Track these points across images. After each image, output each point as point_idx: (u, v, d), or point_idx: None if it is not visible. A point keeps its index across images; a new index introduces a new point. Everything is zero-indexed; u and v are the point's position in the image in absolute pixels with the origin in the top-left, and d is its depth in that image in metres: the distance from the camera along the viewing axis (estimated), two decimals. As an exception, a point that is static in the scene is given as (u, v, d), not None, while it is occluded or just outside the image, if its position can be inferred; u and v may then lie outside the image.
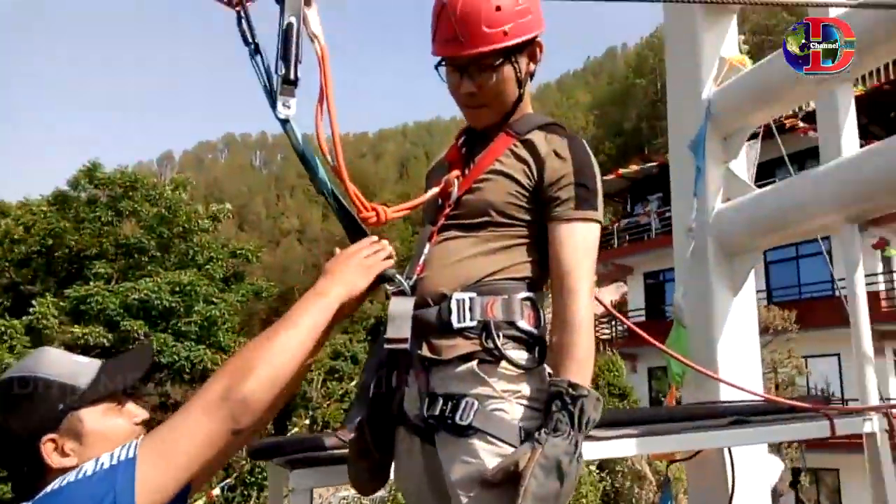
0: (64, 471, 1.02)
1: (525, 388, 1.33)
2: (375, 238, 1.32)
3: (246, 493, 14.74)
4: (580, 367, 1.27)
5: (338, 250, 1.29)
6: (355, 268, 1.25)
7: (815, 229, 3.33)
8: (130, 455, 0.96)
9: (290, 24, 1.23)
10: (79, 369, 1.12)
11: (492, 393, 1.30)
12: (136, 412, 1.15)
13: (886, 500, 2.87)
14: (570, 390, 1.23)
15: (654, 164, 19.55)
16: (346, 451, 1.53)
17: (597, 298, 1.76)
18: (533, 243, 1.40)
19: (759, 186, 3.44)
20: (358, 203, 1.31)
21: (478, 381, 1.31)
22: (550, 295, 1.38)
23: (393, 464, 1.49)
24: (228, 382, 1.02)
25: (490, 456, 1.25)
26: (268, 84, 1.23)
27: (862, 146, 3.07)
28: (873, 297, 14.51)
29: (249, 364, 1.04)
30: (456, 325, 1.32)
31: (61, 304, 17.27)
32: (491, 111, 1.45)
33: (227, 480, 13.40)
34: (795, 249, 14.62)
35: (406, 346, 1.30)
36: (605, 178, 22.73)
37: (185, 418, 1.00)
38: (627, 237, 21.40)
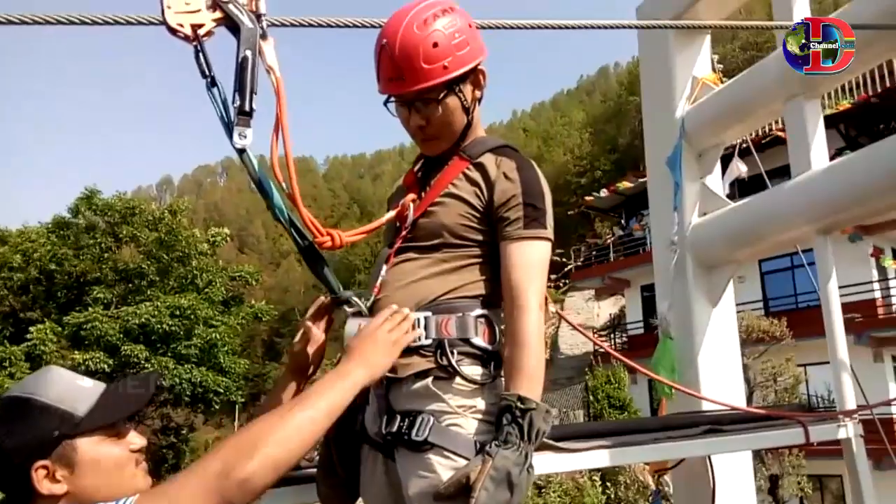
0: (53, 497, 1.02)
1: (480, 403, 1.38)
2: (395, 307, 1.36)
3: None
4: (530, 381, 1.32)
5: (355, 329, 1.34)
6: (381, 347, 1.27)
7: (789, 241, 3.41)
8: None
9: (245, 58, 1.27)
10: (80, 394, 1.08)
11: (447, 409, 1.35)
12: (134, 440, 1.13)
13: (865, 504, 2.91)
14: (520, 404, 1.28)
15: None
16: (315, 470, 1.57)
17: (560, 314, 1.82)
18: (487, 262, 1.45)
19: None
20: (313, 228, 1.35)
21: (433, 397, 1.34)
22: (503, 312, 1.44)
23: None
24: (232, 459, 0.98)
25: (446, 470, 1.29)
26: (224, 115, 1.28)
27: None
28: (870, 305, 14.56)
29: (256, 442, 1.00)
30: (412, 343, 1.37)
31: (61, 330, 17.30)
32: (441, 141, 1.52)
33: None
34: (790, 260, 14.68)
35: None
36: (600, 193, 22.96)
37: (181, 490, 0.96)
38: (623, 251, 21.48)
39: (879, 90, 15.07)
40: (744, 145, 4.21)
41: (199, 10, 1.28)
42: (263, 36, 1.32)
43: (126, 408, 1.12)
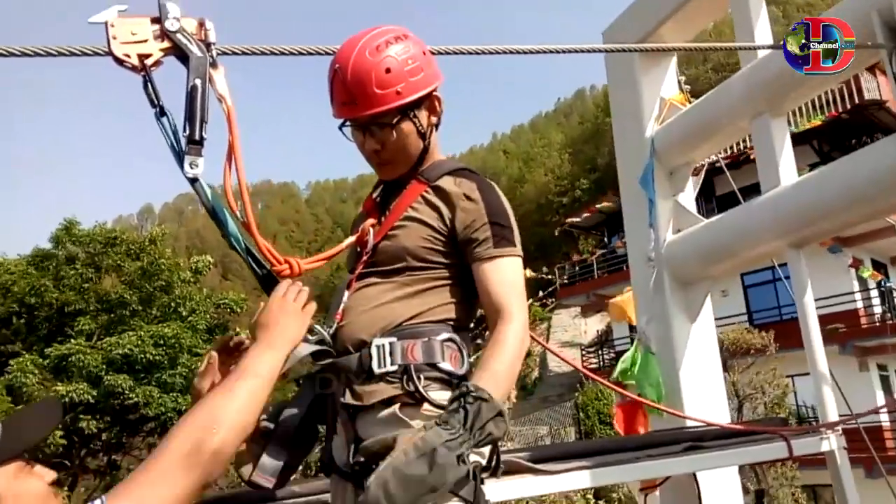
0: None
1: None
2: (290, 281, 1.34)
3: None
4: (493, 378, 1.28)
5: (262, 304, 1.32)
6: (293, 317, 1.29)
7: (762, 256, 3.45)
8: None
9: (194, 86, 1.26)
10: None
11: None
12: (44, 472, 1.10)
13: (850, 516, 2.91)
14: (473, 391, 1.24)
15: (630, 195, 19.77)
16: (287, 501, 1.54)
17: (532, 336, 1.82)
18: (454, 285, 1.44)
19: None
20: (270, 257, 1.35)
21: (400, 424, 1.32)
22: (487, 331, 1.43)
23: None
24: (199, 436, 1.02)
25: None
26: (175, 144, 1.27)
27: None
28: (853, 315, 14.70)
29: (217, 416, 1.05)
30: (377, 370, 1.33)
31: (42, 361, 17.03)
32: (397, 165, 1.51)
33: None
34: (772, 273, 14.82)
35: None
36: (582, 212, 23.14)
37: (159, 472, 0.98)
38: (607, 268, 21.60)
39: (849, 106, 15.43)
40: (717, 164, 4.28)
41: (146, 40, 1.28)
42: (213, 65, 1.32)
43: (31, 436, 1.10)
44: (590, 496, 13.33)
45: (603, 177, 34.81)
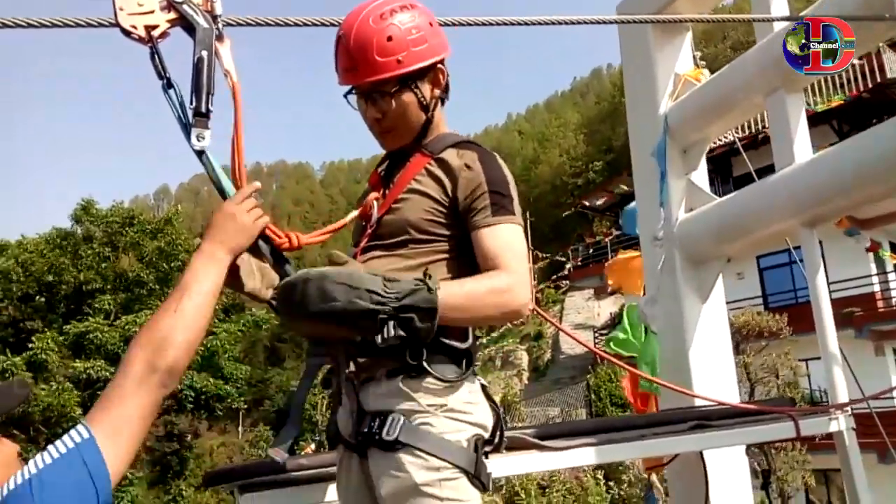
0: None
1: (451, 401, 1.36)
2: (248, 191, 1.33)
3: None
4: (455, 289, 1.31)
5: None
6: (241, 227, 1.29)
7: (775, 235, 3.40)
8: (85, 436, 1.01)
9: (200, 58, 1.26)
10: None
11: (417, 407, 1.33)
12: (12, 444, 1.21)
13: (858, 498, 2.90)
14: (427, 281, 1.28)
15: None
16: (294, 474, 1.56)
17: (539, 311, 1.80)
18: (455, 258, 1.45)
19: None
20: (269, 233, 1.36)
21: (403, 396, 1.33)
22: None
23: (335, 475, 1.54)
24: (151, 356, 1.09)
25: (417, 469, 1.28)
26: (182, 117, 1.28)
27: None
28: (869, 299, 14.52)
29: (165, 335, 1.12)
30: (380, 342, 1.33)
31: (62, 339, 17.35)
32: (398, 134, 1.52)
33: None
34: (788, 255, 14.66)
35: (321, 360, 1.38)
36: (598, 195, 22.99)
37: (123, 394, 1.06)
38: (621, 249, 21.50)
39: (870, 86, 15.12)
40: (734, 145, 4.21)
41: (152, 11, 1.28)
42: (220, 37, 1.32)
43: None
44: (599, 476, 13.42)
45: (618, 157, 34.52)
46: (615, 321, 23.09)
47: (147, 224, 19.85)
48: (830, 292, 3.64)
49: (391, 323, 1.24)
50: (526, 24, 2.22)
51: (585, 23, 2.35)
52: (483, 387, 1.47)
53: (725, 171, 17.36)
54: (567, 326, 23.23)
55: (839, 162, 2.94)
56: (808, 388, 14.01)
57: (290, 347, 42.07)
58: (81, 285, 18.72)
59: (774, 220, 3.17)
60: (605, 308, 24.45)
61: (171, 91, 1.28)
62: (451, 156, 1.47)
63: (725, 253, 3.50)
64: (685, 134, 3.48)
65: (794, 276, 15.06)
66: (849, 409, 2.89)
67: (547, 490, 12.78)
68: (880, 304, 14.69)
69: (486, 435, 1.41)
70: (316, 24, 1.62)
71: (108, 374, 16.81)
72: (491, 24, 2.08)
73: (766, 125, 13.53)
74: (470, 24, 1.98)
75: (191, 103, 1.27)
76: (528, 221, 28.03)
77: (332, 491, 1.75)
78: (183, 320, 1.15)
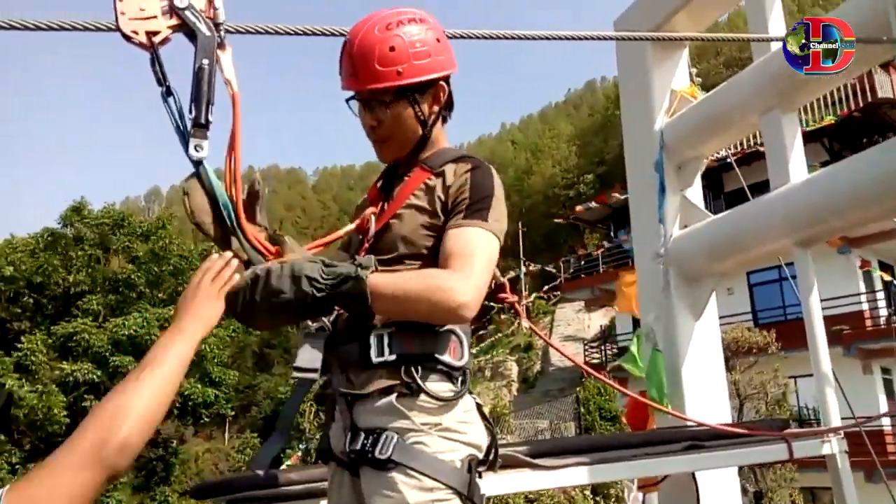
0: None
1: (445, 421, 1.34)
2: (216, 256, 1.30)
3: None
4: (390, 280, 1.30)
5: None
6: (204, 300, 1.24)
7: (769, 254, 3.41)
8: None
9: (201, 67, 1.25)
10: None
11: (411, 426, 1.31)
12: None
13: (850, 520, 2.89)
14: (361, 267, 1.28)
15: (637, 190, 19.68)
16: (284, 489, 1.54)
17: (533, 328, 1.78)
18: None
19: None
20: (259, 246, 1.33)
21: (397, 414, 1.31)
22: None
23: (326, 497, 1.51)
24: (106, 428, 1.00)
25: (410, 489, 1.26)
26: (181, 126, 1.25)
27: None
28: (858, 317, 14.61)
29: (122, 408, 1.03)
30: (375, 359, 1.32)
31: (50, 340, 17.17)
32: (392, 145, 1.50)
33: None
34: (778, 272, 14.74)
35: (315, 376, 1.34)
36: (591, 204, 23.06)
37: (60, 468, 0.95)
38: (612, 262, 21.53)
39: (861, 105, 15.27)
40: (727, 160, 4.23)
41: (154, 17, 1.26)
42: (221, 45, 1.30)
43: None
44: (588, 492, 13.37)
45: (610, 170, 34.69)
46: (605, 334, 23.14)
47: (139, 227, 19.73)
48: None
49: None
50: (525, 38, 2.21)
51: (584, 38, 2.35)
52: (478, 405, 1.45)
53: (717, 186, 17.45)
54: (557, 338, 23.24)
55: (834, 183, 2.95)
56: (797, 406, 14.06)
57: (279, 353, 41.87)
58: (70, 287, 18.55)
59: (769, 239, 3.17)
60: (596, 320, 24.50)
61: (171, 99, 1.26)
62: (449, 171, 1.45)
63: (719, 270, 3.49)
64: (680, 150, 3.49)
65: (784, 292, 15.17)
66: (841, 432, 2.88)
67: (535, 503, 12.73)
68: (868, 322, 14.77)
69: (480, 455, 1.38)
70: (318, 34, 1.61)
71: (94, 377, 16.65)
72: (489, 38, 2.08)
73: (759, 141, 13.68)
74: (469, 38, 1.97)
75: (190, 113, 1.24)
76: (520, 232, 28.19)
77: (323, 506, 1.72)
78: (142, 394, 1.06)
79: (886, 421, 13.17)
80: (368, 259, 1.32)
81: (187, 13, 1.27)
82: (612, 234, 23.09)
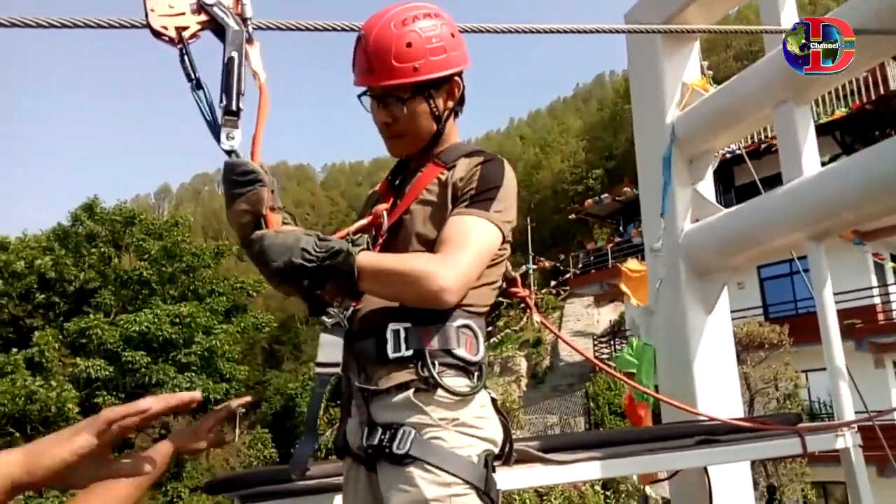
0: None
1: (462, 415, 1.34)
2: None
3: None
4: (378, 261, 1.31)
5: None
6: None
7: (781, 248, 3.38)
8: None
9: (231, 58, 1.27)
10: None
11: (429, 421, 1.31)
12: None
13: (864, 514, 2.87)
14: (353, 245, 1.30)
15: (647, 184, 19.64)
16: (297, 484, 1.54)
17: (544, 322, 1.78)
18: None
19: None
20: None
21: (415, 409, 1.31)
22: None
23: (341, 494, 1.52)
24: None
25: (428, 484, 1.26)
26: (211, 117, 1.27)
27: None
28: (870, 311, 14.51)
29: None
30: (392, 354, 1.33)
31: (62, 337, 17.31)
32: (406, 141, 1.50)
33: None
34: (789, 266, 14.64)
35: (338, 370, 1.34)
36: (601, 198, 23.00)
37: None
38: (622, 257, 21.49)
39: (873, 97, 15.13)
40: (737, 153, 4.20)
41: (183, 13, 1.28)
42: (249, 40, 1.32)
43: None
44: (598, 487, 13.37)
45: (619, 165, 34.52)
46: (615, 329, 23.09)
47: (152, 224, 19.88)
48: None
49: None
50: (534, 31, 2.21)
51: (595, 31, 2.34)
52: (493, 400, 1.45)
53: (728, 179, 17.35)
54: (566, 333, 23.20)
55: (847, 176, 2.92)
56: (808, 400, 13.99)
57: (289, 350, 42.03)
58: (82, 284, 18.70)
59: (781, 233, 3.15)
60: (605, 315, 24.42)
61: (201, 92, 1.28)
62: (461, 164, 1.46)
63: (730, 264, 3.48)
64: (692, 144, 3.47)
65: (795, 286, 15.07)
66: (855, 426, 2.87)
67: (545, 498, 12.74)
68: (881, 316, 14.67)
69: (496, 450, 1.39)
70: (340, 30, 1.61)
71: (107, 372, 16.77)
72: (500, 32, 2.08)
73: (770, 135, 13.57)
74: (480, 31, 1.97)
75: (220, 102, 1.26)
76: (529, 227, 28.13)
77: (337, 502, 1.73)
78: None
79: (898, 415, 13.09)
80: (362, 238, 1.35)
81: (216, 9, 1.30)
82: (621, 228, 23.03)
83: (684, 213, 3.53)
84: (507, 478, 2.04)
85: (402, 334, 1.35)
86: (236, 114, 1.26)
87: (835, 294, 3.21)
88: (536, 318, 1.83)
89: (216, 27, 1.30)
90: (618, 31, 2.62)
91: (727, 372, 3.60)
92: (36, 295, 18.56)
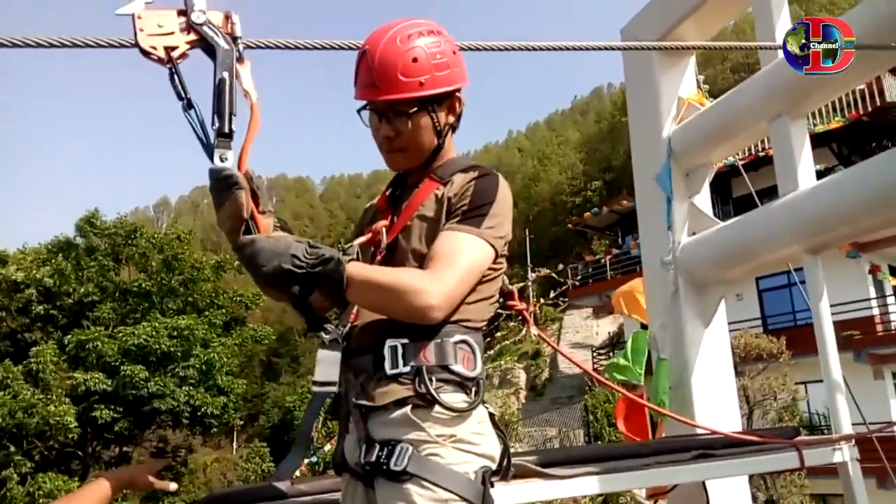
0: None
1: (460, 432, 1.34)
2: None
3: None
4: (367, 273, 1.32)
5: None
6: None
7: (778, 261, 3.39)
8: None
9: (222, 79, 1.27)
10: None
11: (426, 438, 1.31)
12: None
13: (863, 529, 2.86)
14: (344, 253, 1.32)
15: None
16: (294, 500, 1.54)
17: (541, 335, 1.78)
18: None
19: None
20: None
21: (412, 426, 1.31)
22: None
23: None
24: None
25: (425, 501, 1.26)
26: (203, 138, 1.28)
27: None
28: (868, 322, 14.51)
29: None
30: (389, 371, 1.33)
31: (59, 351, 17.24)
32: (407, 156, 1.51)
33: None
34: (787, 277, 14.67)
35: (334, 388, 1.34)
36: (601, 211, 23.06)
37: None
38: (620, 269, 21.51)
39: (870, 108, 15.23)
40: (734, 165, 4.22)
41: (172, 33, 1.29)
42: (240, 59, 1.33)
43: None
44: (599, 501, 13.29)
45: (617, 177, 34.62)
46: (614, 341, 23.07)
47: (153, 238, 19.88)
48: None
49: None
50: (532, 49, 2.23)
51: (591, 48, 2.36)
52: (491, 415, 1.45)
53: (725, 191, 17.41)
54: (565, 345, 23.16)
55: (843, 189, 2.94)
56: (807, 412, 13.95)
57: (287, 363, 41.90)
58: (82, 297, 18.66)
59: (778, 246, 3.16)
60: (604, 327, 24.40)
61: (192, 112, 1.28)
62: (457, 179, 1.47)
63: (728, 277, 3.48)
64: (688, 157, 3.49)
65: (794, 298, 15.07)
66: (853, 439, 2.86)
67: (544, 512, 12.66)
68: (879, 327, 14.68)
69: (494, 466, 1.39)
70: (334, 48, 1.63)
71: (105, 386, 16.69)
72: (497, 49, 2.09)
73: (768, 146, 13.63)
74: (478, 49, 1.99)
75: (213, 124, 1.27)
76: (528, 239, 28.15)
77: (333, 519, 1.72)
78: None
79: (898, 427, 13.05)
80: (353, 248, 1.38)
81: (205, 28, 1.30)
82: (619, 240, 23.07)
83: (681, 226, 3.54)
84: (506, 493, 2.03)
85: (400, 350, 1.35)
86: (229, 135, 1.26)
87: (833, 305, 3.20)
88: (534, 330, 1.84)
89: (206, 46, 1.30)
90: (613, 49, 2.65)
91: (725, 385, 3.60)
92: (34, 307, 18.50)
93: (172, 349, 17.54)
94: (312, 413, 1.43)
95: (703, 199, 3.65)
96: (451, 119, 1.52)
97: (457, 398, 1.36)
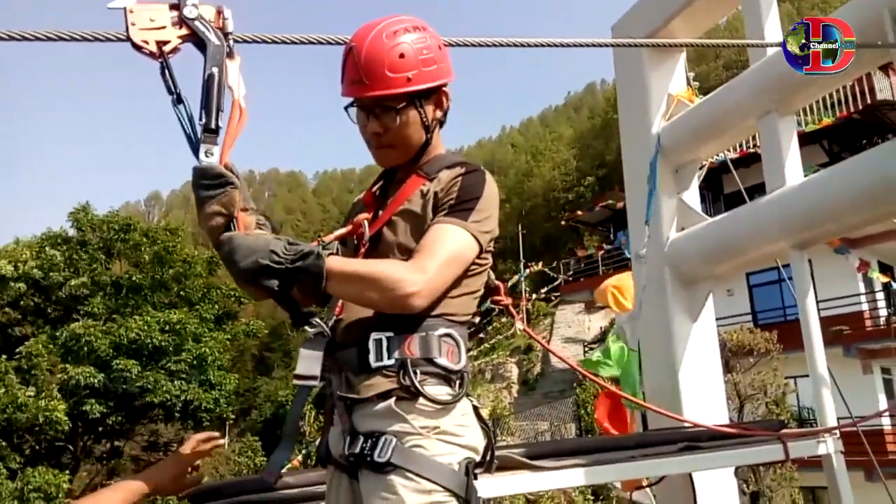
0: None
1: (444, 424, 1.36)
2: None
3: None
4: (348, 266, 1.33)
5: None
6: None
7: (766, 257, 3.42)
8: None
9: (211, 75, 1.28)
10: None
11: (410, 430, 1.32)
12: None
13: (846, 522, 2.90)
14: (323, 249, 1.32)
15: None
16: (281, 492, 1.56)
17: (527, 331, 1.80)
18: None
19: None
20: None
21: (396, 418, 1.33)
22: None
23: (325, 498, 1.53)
24: None
25: (409, 492, 1.28)
26: (191, 132, 1.29)
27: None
28: (858, 317, 14.63)
29: None
30: (373, 363, 1.35)
31: (51, 345, 17.16)
32: (396, 152, 1.53)
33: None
34: (777, 273, 14.76)
35: (315, 383, 1.36)
36: (589, 208, 23.12)
37: None
38: (612, 264, 21.60)
39: (861, 106, 15.32)
40: (724, 162, 4.25)
41: (164, 27, 1.30)
42: (230, 54, 1.34)
43: None
44: (589, 494, 13.39)
45: (610, 173, 34.68)
46: (605, 336, 23.17)
47: (147, 232, 19.79)
48: (819, 311, 3.64)
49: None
50: (523, 45, 2.24)
51: (582, 45, 2.38)
52: (475, 408, 1.47)
53: (716, 188, 17.49)
54: (557, 340, 23.23)
55: (830, 186, 2.97)
56: (797, 406, 14.07)
57: (279, 357, 41.84)
58: (73, 291, 18.55)
59: (765, 242, 3.19)
60: (596, 322, 24.47)
61: (181, 106, 1.30)
62: (444, 175, 1.49)
63: (715, 273, 3.51)
64: (677, 154, 3.51)
65: (784, 293, 15.16)
66: (837, 432, 2.90)
67: (535, 504, 12.73)
68: (868, 322, 14.80)
69: (477, 458, 1.41)
70: (322, 43, 1.63)
71: (96, 381, 16.62)
72: (487, 45, 2.11)
73: (759, 144, 13.71)
74: (467, 45, 2.00)
75: (200, 119, 1.28)
76: (520, 234, 28.20)
77: (320, 510, 1.74)
78: None
79: (886, 420, 13.18)
80: (333, 244, 1.39)
81: (197, 23, 1.31)
82: (611, 236, 23.15)
83: (670, 222, 3.56)
84: (494, 485, 2.05)
85: (385, 343, 1.37)
86: (215, 131, 1.28)
87: (823, 300, 3.24)
88: (519, 325, 1.85)
89: (197, 41, 1.31)
90: (602, 45, 2.67)
91: (713, 379, 3.63)
92: (25, 301, 18.38)
93: (164, 343, 17.48)
94: (298, 407, 1.44)
95: (692, 195, 3.68)
96: (439, 114, 1.54)
97: (441, 391, 1.38)
